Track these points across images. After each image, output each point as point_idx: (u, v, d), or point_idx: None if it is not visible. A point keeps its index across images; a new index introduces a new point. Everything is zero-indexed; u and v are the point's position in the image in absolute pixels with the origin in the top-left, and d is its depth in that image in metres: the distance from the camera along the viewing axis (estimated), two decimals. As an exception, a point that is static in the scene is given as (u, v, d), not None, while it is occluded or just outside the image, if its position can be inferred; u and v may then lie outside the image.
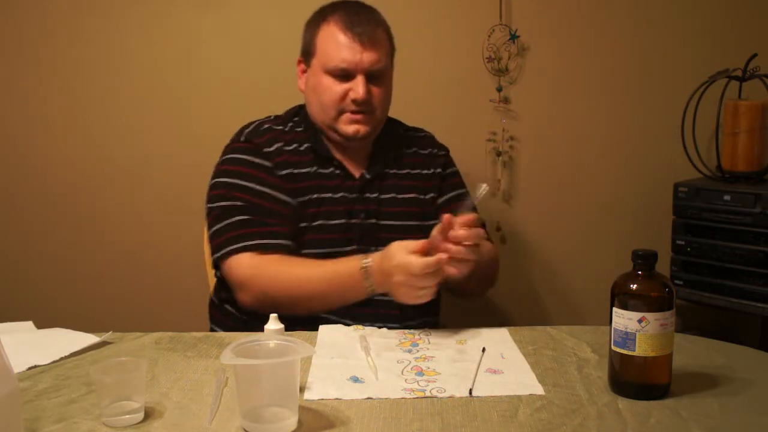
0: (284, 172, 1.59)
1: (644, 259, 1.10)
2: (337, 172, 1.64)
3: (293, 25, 2.45)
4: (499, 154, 2.43)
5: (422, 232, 1.46)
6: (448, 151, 1.82)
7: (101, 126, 2.48)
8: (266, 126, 1.66)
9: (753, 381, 1.18)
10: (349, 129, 1.60)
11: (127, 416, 1.02)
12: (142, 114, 2.48)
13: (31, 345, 1.33)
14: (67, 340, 1.33)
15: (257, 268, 1.50)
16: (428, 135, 1.82)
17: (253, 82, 2.46)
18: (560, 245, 2.52)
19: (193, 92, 2.46)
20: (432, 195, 1.72)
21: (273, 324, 1.19)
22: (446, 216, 1.39)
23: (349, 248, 1.58)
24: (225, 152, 1.66)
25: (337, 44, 1.57)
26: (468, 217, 1.40)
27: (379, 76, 1.60)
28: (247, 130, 1.66)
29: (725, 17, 2.42)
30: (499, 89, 2.42)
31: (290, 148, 1.62)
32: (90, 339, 1.35)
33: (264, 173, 1.58)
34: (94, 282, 2.54)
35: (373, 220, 1.64)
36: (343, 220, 1.61)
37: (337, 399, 1.11)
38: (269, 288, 1.49)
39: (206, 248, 1.74)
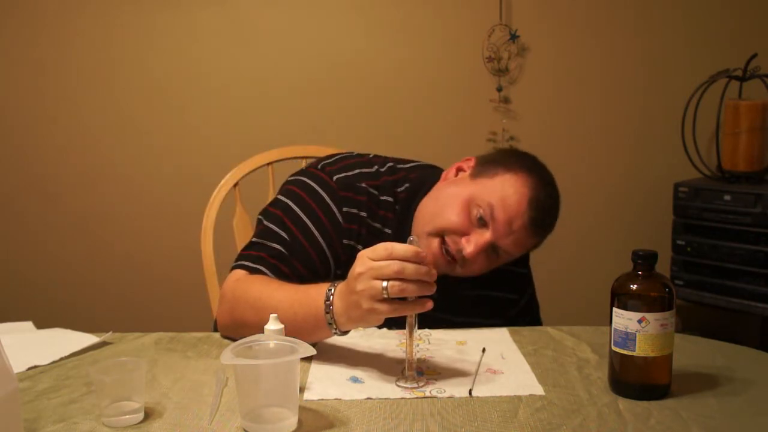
0: (346, 241, 1.41)
1: (644, 259, 1.10)
2: None
3: (294, 25, 2.46)
4: (499, 154, 2.43)
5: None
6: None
7: (101, 127, 2.49)
8: (363, 185, 1.43)
9: (753, 381, 1.18)
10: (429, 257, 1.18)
11: (127, 416, 1.02)
12: (143, 116, 2.48)
13: (31, 345, 1.33)
14: (67, 340, 1.33)
15: (236, 283, 1.35)
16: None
17: (254, 83, 2.46)
18: (560, 245, 2.52)
19: (193, 94, 2.46)
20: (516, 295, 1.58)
21: (273, 324, 1.19)
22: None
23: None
24: (307, 175, 1.47)
25: (504, 205, 1.34)
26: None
27: (502, 255, 1.39)
28: (339, 176, 1.43)
29: (725, 17, 2.42)
30: (499, 89, 2.42)
31: (372, 225, 1.42)
32: (90, 339, 1.35)
33: (326, 217, 1.40)
34: (94, 282, 2.54)
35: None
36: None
37: (337, 399, 1.11)
38: (239, 304, 1.32)
39: (204, 249, 1.73)
